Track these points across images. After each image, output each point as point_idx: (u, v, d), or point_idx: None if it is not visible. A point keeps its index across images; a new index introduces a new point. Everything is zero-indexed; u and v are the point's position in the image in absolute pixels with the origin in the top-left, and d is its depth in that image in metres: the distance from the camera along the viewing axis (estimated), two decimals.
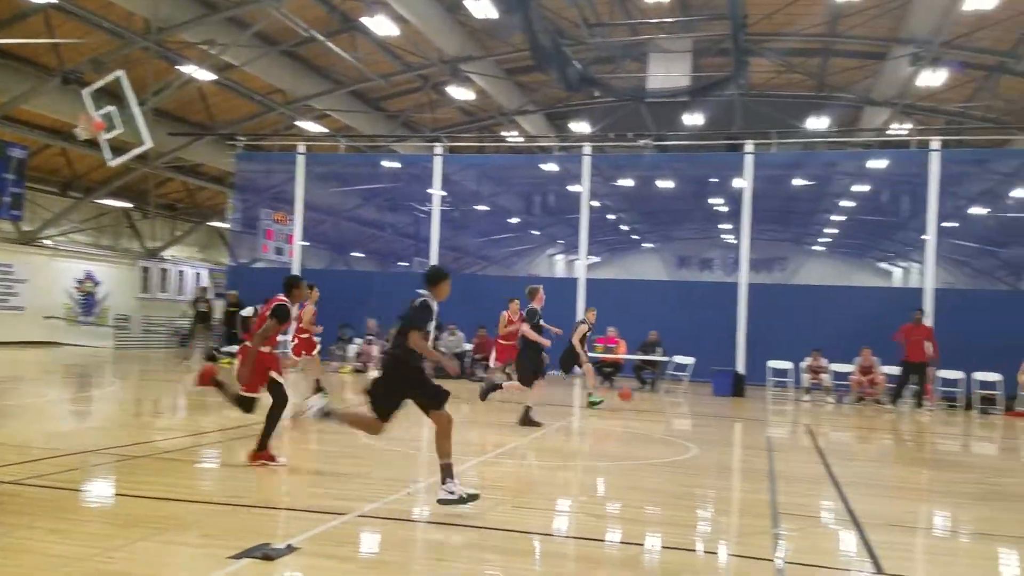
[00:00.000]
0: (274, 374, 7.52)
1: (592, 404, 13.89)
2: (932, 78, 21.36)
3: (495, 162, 27.32)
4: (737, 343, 19.57)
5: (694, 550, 5.55)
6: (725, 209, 30.09)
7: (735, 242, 22.53)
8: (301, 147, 23.12)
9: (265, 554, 4.75)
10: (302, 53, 23.73)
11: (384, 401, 6.30)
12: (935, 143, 19.36)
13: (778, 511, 6.57)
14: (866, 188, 28.76)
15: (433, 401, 6.11)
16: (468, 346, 19.99)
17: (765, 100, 26.45)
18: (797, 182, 26.98)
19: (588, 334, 14.19)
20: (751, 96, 25.76)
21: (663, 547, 5.66)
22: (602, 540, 5.72)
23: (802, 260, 41.06)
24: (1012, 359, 16.27)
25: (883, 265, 45.45)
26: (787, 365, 18.55)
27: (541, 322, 11.66)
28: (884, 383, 17.10)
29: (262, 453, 7.46)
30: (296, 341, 13.69)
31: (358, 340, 20.87)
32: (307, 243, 24.46)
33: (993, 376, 16.58)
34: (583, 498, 7.30)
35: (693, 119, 25.12)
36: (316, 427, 10.42)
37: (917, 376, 16.04)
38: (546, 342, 11.62)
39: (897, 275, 44.34)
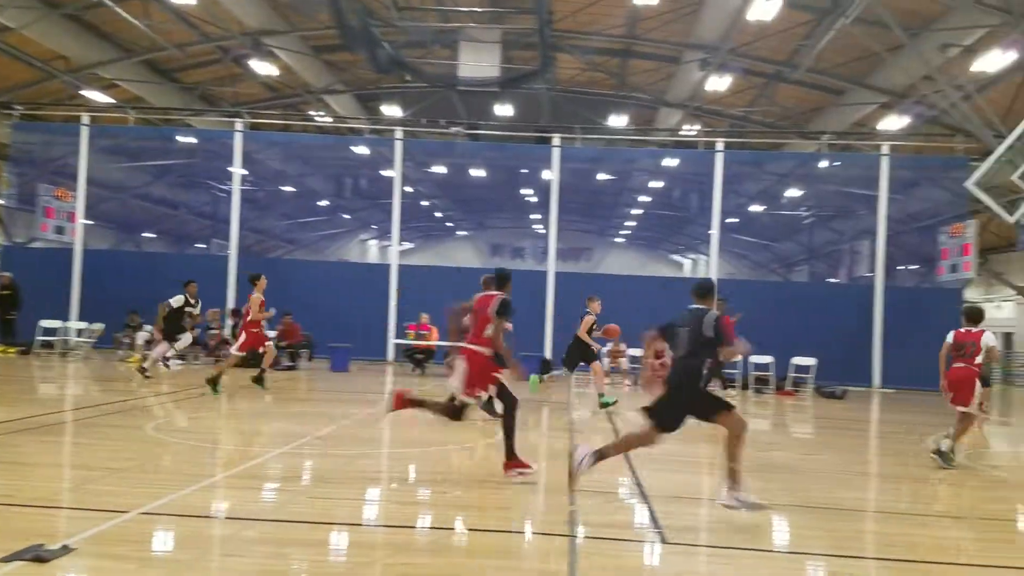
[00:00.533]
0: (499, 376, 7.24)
1: (604, 405, 12.94)
2: (719, 83, 23.04)
3: (302, 141, 26.45)
4: (545, 329, 20.25)
5: (500, 531, 5.68)
6: (535, 200, 30.95)
7: (544, 232, 23.29)
8: (85, 118, 21.29)
9: (37, 556, 4.35)
10: (88, 18, 21.82)
11: (671, 414, 6.24)
12: (719, 144, 20.96)
13: (575, 489, 6.86)
14: (661, 184, 30.56)
15: (722, 407, 6.11)
16: (272, 333, 19.28)
17: (571, 96, 27.43)
18: (601, 176, 28.22)
19: (594, 325, 13.21)
20: (558, 91, 26.62)
21: (470, 530, 5.73)
22: (411, 527, 5.71)
23: (606, 250, 43.01)
24: (783, 343, 18.06)
25: (675, 256, 48.58)
26: None
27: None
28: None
29: (513, 462, 7.10)
30: (244, 336, 12.78)
31: (148, 327, 19.54)
32: (91, 222, 22.56)
33: (766, 359, 18.22)
34: (390, 486, 7.25)
35: (504, 110, 25.60)
36: (104, 423, 9.67)
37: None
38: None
39: (687, 266, 47.61)
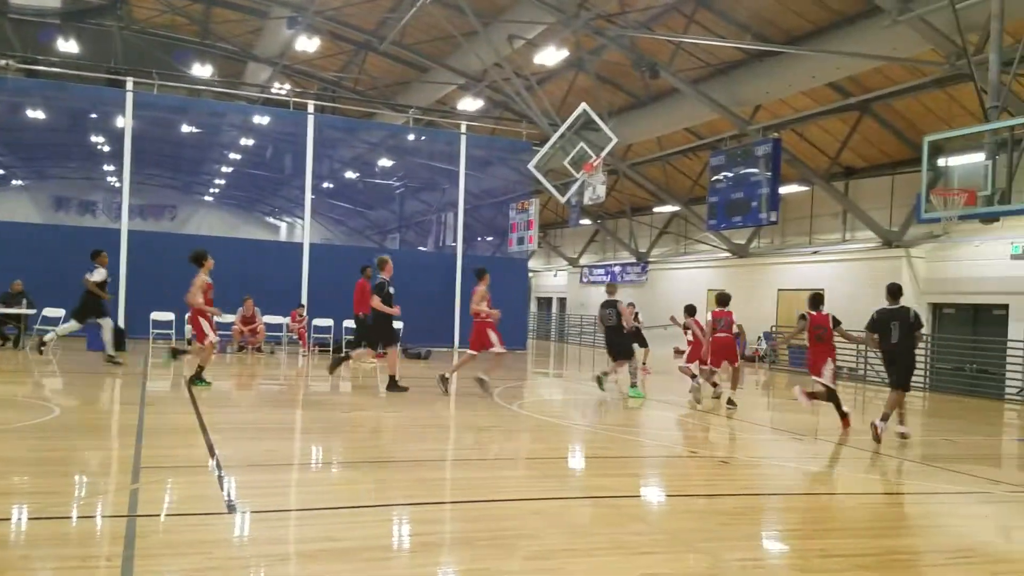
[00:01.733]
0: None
1: (634, 395, 12.92)
2: (308, 44, 22.87)
3: None
4: (119, 294, 18.43)
5: (52, 518, 5.05)
6: (108, 149, 27.85)
7: (119, 185, 21.06)
8: None
9: None
10: None
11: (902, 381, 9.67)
12: (311, 107, 20.85)
13: (142, 466, 6.40)
14: (252, 142, 29.55)
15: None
16: None
17: (149, 38, 25.09)
18: (185, 129, 26.32)
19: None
20: (133, 31, 24.16)
21: (29, 519, 5.02)
22: None
23: (193, 209, 40.55)
24: None
25: (271, 219, 47.50)
26: (171, 316, 18.17)
27: (391, 290, 11.83)
28: (264, 332, 18.02)
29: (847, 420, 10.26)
30: (205, 324, 11.53)
31: None
32: None
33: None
34: None
35: (68, 46, 22.49)
36: None
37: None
38: (396, 311, 11.84)
39: (284, 229, 46.92)
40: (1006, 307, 18.26)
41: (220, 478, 6.18)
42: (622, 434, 9.46)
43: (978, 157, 12.31)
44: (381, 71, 26.82)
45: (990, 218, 13.58)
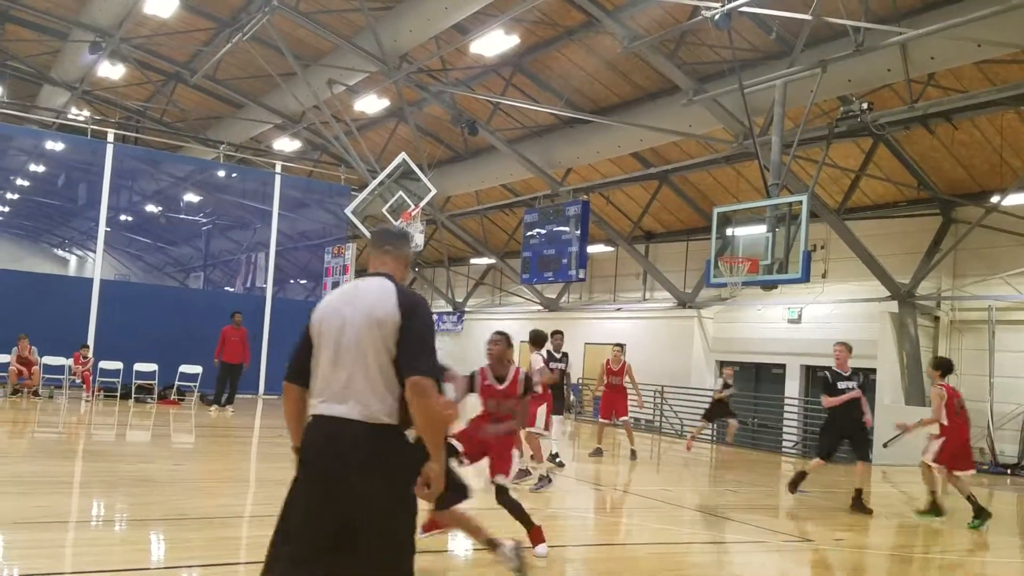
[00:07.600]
0: None
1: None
2: (112, 71, 21.60)
3: None
4: None
5: None
6: None
7: None
8: None
9: None
10: None
11: None
12: (111, 135, 19.58)
13: None
14: (43, 169, 27.27)
15: None
16: None
17: None
18: None
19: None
20: None
21: None
22: None
23: None
24: (172, 350, 17.60)
25: (60, 252, 44.06)
26: None
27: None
28: (40, 373, 16.44)
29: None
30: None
31: None
32: None
33: (151, 366, 17.50)
34: None
35: None
36: None
37: (230, 377, 16.72)
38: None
39: (74, 263, 43.56)
40: (783, 367, 20.04)
41: None
42: None
43: (760, 229, 13.53)
44: (191, 104, 25.71)
45: (770, 285, 14.93)
